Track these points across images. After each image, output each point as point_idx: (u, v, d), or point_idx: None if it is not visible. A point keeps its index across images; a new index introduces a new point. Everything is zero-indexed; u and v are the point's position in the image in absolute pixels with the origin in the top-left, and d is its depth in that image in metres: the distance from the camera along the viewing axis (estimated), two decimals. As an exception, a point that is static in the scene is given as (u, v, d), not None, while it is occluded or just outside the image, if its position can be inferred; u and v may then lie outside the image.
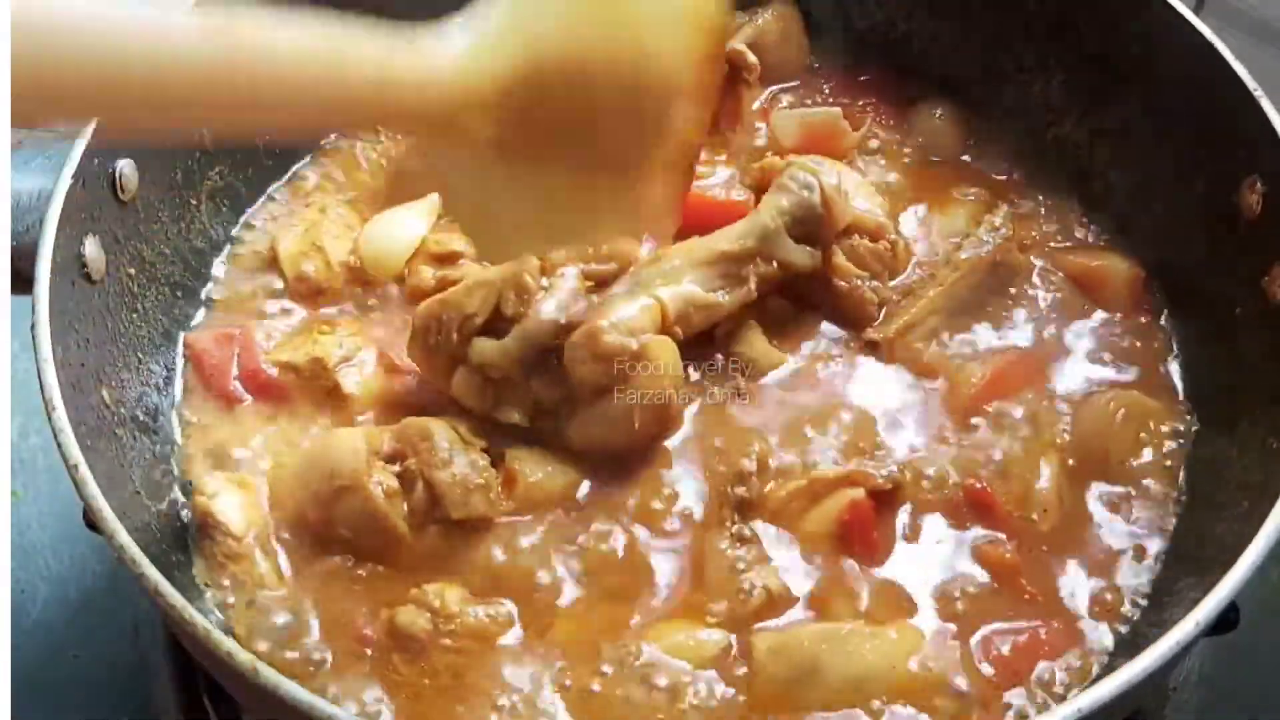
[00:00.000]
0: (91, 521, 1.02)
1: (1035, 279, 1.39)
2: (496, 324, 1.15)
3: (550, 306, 1.13)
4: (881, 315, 1.33)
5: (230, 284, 1.39)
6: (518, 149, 0.99)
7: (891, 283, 1.36)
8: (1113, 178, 1.47)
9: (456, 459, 1.13)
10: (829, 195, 1.25)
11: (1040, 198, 1.49)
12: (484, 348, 1.15)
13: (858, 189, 1.39)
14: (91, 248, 1.20)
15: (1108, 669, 1.12)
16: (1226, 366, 1.29)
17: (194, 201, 1.39)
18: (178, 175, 1.35)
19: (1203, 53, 1.31)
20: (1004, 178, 1.51)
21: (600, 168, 1.05)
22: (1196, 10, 1.36)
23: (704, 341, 1.26)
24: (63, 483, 1.04)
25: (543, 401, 1.16)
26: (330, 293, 1.36)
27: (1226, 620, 1.11)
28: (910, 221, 1.44)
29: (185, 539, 1.20)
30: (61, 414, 1.05)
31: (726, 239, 1.24)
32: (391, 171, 1.46)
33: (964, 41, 1.58)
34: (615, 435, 1.16)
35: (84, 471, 1.02)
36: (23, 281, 1.12)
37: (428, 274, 1.32)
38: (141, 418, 1.25)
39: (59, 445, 1.04)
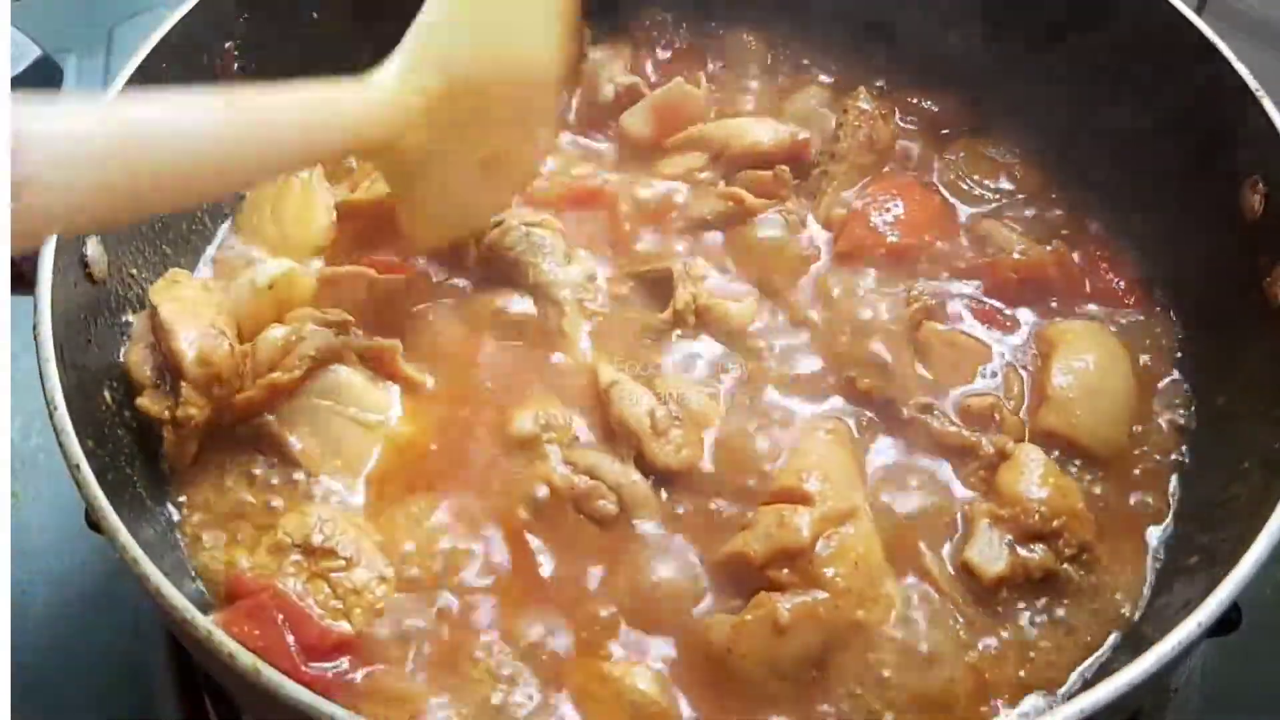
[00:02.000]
0: (93, 522, 1.02)
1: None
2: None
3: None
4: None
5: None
6: (443, 149, 1.22)
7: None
8: (1113, 178, 1.47)
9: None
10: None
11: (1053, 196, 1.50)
12: None
13: (745, 128, 1.49)
14: (93, 248, 1.20)
15: (1109, 669, 1.12)
16: (1228, 368, 1.29)
17: (195, 202, 1.39)
18: (179, 176, 1.35)
19: (1204, 52, 1.31)
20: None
21: (499, 151, 1.30)
22: (1198, 10, 1.36)
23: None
24: (64, 483, 1.04)
25: None
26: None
27: (1228, 621, 1.11)
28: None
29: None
30: (63, 414, 1.05)
31: None
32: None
33: (970, 47, 1.59)
34: None
35: (86, 472, 1.02)
36: (25, 282, 1.12)
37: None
38: (143, 418, 1.24)
39: (61, 445, 1.04)
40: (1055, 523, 1.17)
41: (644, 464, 1.21)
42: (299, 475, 1.22)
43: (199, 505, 1.21)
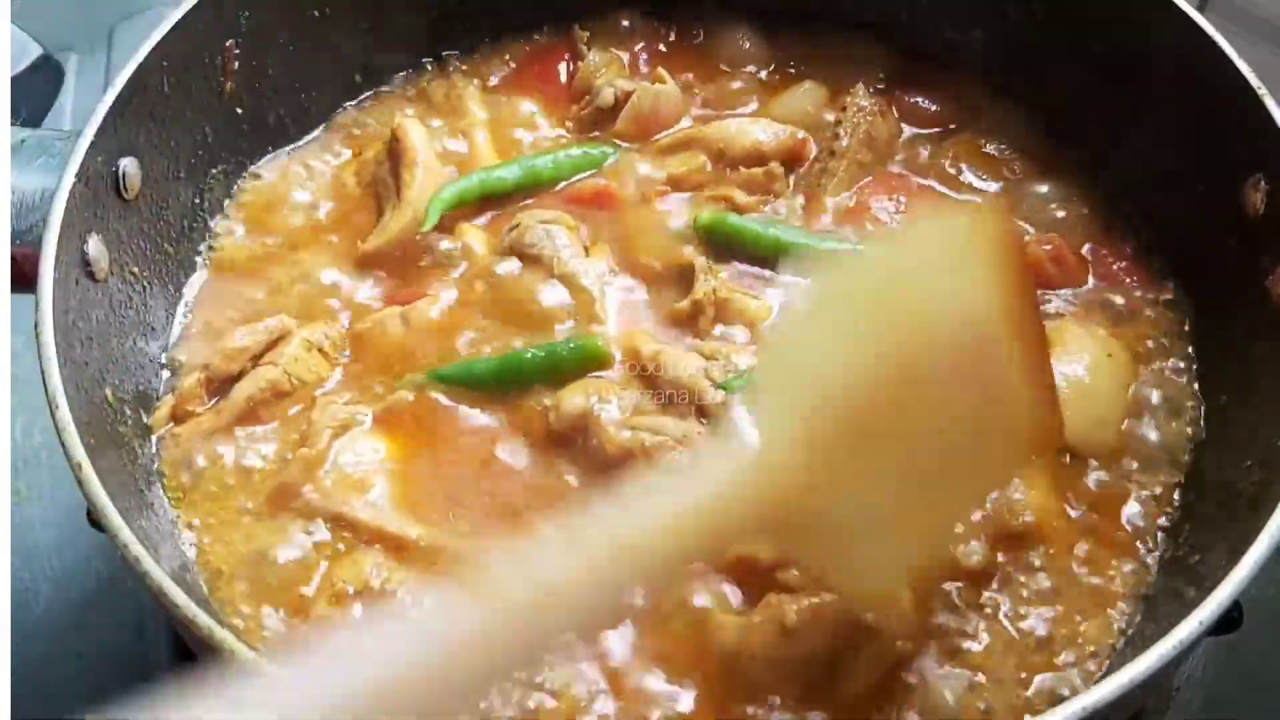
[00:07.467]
0: (95, 520, 1.02)
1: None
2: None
3: None
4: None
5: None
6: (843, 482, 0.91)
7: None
8: (1113, 176, 1.47)
9: None
10: None
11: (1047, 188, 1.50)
12: None
13: (745, 129, 1.50)
14: (95, 246, 1.20)
15: (1111, 668, 1.12)
16: (1229, 367, 1.29)
17: (197, 200, 1.39)
18: (181, 172, 1.36)
19: (1206, 50, 1.30)
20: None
21: (944, 447, 0.94)
22: (1200, 8, 1.36)
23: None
24: (66, 482, 1.04)
25: None
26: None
27: (1230, 620, 1.11)
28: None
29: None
30: (65, 412, 1.05)
31: None
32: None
33: (966, 44, 1.59)
34: None
35: (87, 470, 1.02)
36: (26, 280, 1.12)
37: None
38: (144, 415, 1.25)
39: (62, 444, 1.04)
40: (1028, 517, 1.17)
41: (704, 415, 1.23)
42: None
43: (204, 502, 1.22)
